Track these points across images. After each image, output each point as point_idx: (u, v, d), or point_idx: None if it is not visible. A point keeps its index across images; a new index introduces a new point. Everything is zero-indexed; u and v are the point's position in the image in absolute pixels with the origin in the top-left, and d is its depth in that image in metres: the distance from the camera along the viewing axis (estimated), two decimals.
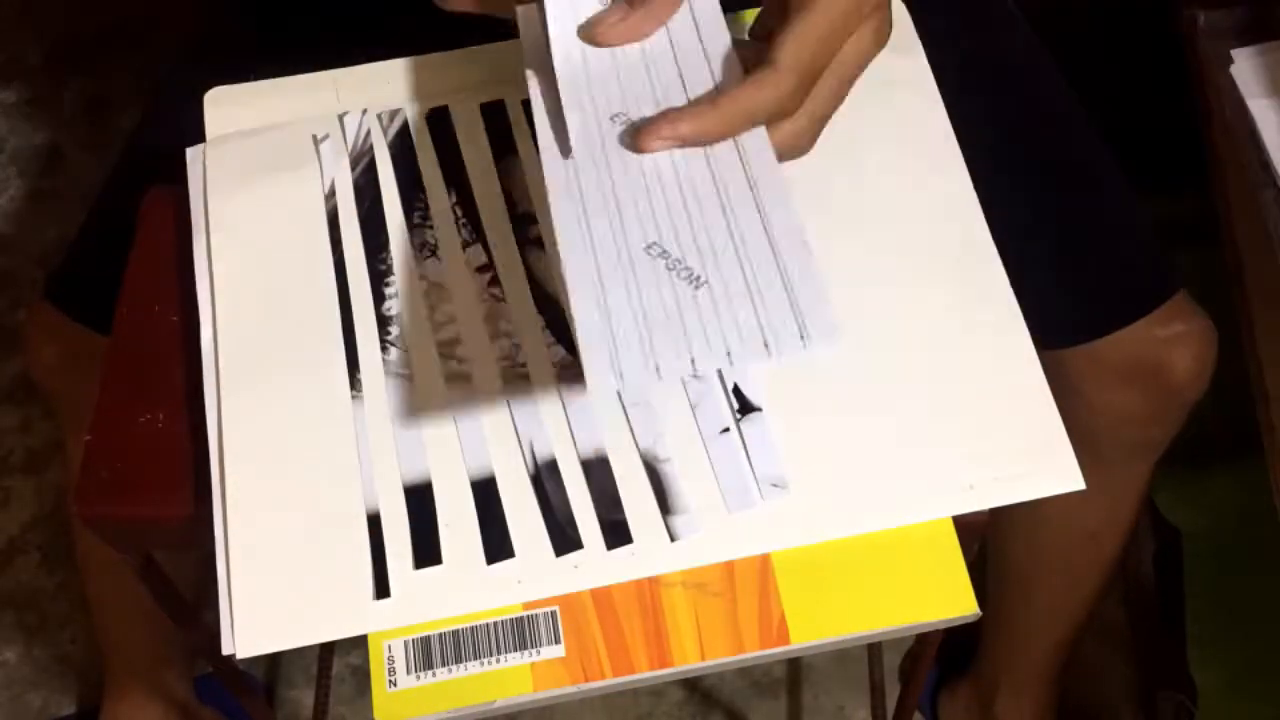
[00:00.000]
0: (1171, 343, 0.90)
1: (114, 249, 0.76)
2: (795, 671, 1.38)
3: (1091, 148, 0.93)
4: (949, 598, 0.63)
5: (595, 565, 0.63)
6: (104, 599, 1.19)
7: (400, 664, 0.61)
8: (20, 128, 1.77)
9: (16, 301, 1.63)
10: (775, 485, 0.65)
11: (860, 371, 0.67)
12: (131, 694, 1.24)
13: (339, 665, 1.34)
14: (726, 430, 0.66)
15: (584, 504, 0.64)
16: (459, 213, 0.73)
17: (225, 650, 0.61)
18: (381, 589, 0.62)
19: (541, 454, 0.66)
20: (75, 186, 1.70)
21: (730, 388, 0.67)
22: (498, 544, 0.63)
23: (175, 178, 0.75)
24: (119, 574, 0.78)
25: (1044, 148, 0.91)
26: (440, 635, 0.62)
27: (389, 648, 0.62)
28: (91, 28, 1.83)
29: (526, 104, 0.76)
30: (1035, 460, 0.65)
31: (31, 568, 1.47)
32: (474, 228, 0.73)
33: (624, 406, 0.67)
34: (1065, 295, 0.88)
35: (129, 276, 0.75)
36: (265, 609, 0.62)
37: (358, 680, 1.36)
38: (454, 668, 0.61)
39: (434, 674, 0.61)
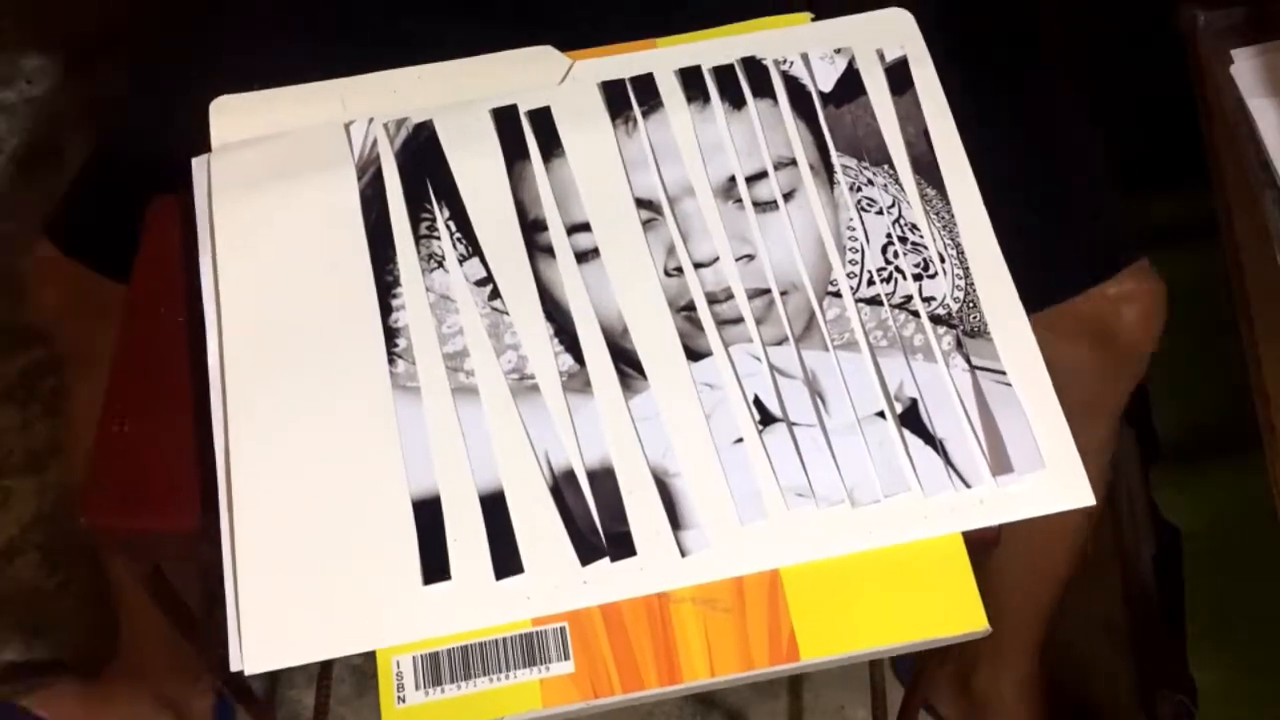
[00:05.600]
0: (1119, 300, 0.91)
1: (110, 190, 0.74)
2: None
3: (1061, 113, 0.93)
4: (958, 613, 0.63)
5: (605, 581, 0.63)
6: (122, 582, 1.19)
7: (409, 680, 0.61)
8: (20, 128, 1.76)
9: (16, 302, 1.62)
10: (800, 495, 0.64)
11: (868, 387, 0.68)
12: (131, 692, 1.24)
13: (339, 665, 1.33)
14: (740, 441, 0.66)
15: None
16: (453, 227, 0.73)
17: (234, 667, 0.61)
18: (390, 604, 0.62)
19: (559, 465, 0.66)
20: None
21: (751, 399, 0.67)
22: (507, 559, 0.63)
23: (169, 124, 0.74)
24: None
25: (1016, 116, 0.91)
26: (449, 651, 0.62)
27: (398, 664, 0.62)
28: (92, 28, 1.82)
29: (534, 112, 0.76)
30: (1045, 475, 0.65)
31: (31, 568, 1.46)
32: (469, 241, 0.73)
33: (633, 420, 0.67)
34: (1033, 262, 0.89)
35: (134, 285, 0.75)
36: (274, 625, 0.62)
37: (358, 680, 1.36)
38: (463, 684, 0.61)
39: (443, 690, 0.61)
